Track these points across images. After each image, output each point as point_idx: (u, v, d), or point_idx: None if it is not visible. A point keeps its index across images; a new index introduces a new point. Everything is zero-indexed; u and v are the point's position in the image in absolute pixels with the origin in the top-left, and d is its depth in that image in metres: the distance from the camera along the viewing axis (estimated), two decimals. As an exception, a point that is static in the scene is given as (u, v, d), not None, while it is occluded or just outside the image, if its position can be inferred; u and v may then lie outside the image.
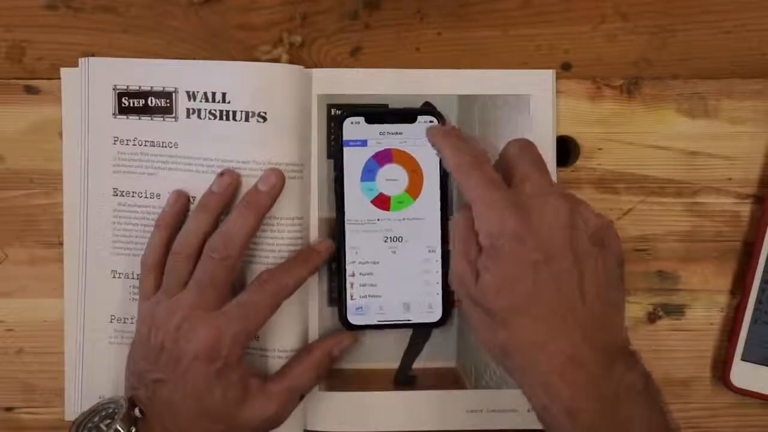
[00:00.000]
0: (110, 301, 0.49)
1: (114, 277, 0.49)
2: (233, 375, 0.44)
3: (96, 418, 0.44)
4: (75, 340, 0.49)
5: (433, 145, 0.44)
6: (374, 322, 0.48)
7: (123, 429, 0.43)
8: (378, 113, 0.48)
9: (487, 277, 0.39)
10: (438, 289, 0.48)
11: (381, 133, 0.48)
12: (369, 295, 0.48)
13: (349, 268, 0.48)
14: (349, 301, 0.48)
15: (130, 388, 0.45)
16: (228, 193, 0.47)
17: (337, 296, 0.49)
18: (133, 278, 0.49)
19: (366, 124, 0.48)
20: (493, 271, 0.39)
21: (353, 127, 0.48)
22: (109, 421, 0.43)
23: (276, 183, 0.46)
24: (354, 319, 0.48)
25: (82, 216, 0.49)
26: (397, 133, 0.48)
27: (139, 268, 0.47)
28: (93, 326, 0.49)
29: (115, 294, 0.49)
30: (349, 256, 0.48)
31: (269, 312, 0.45)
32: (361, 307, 0.48)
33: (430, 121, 0.48)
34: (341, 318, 0.49)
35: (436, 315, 0.48)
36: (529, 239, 0.39)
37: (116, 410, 0.44)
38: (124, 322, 0.49)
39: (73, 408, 0.49)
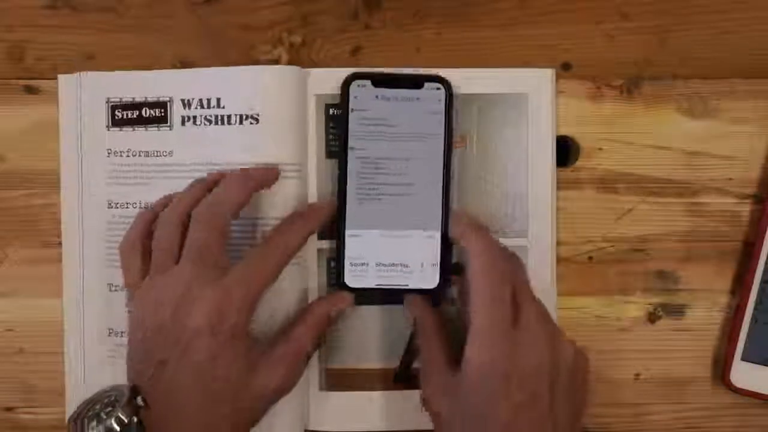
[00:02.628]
0: (108, 315, 0.49)
1: (111, 290, 0.49)
2: (238, 347, 0.42)
3: (97, 407, 0.42)
4: (74, 354, 0.49)
5: (456, 235, 0.46)
6: (372, 285, 0.48)
7: (125, 417, 0.41)
8: (385, 77, 0.48)
9: (465, 407, 0.41)
10: (437, 256, 0.48)
11: (386, 98, 0.48)
12: (367, 258, 0.48)
13: (348, 231, 0.48)
14: (347, 263, 0.48)
15: (132, 376, 0.44)
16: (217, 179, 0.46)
17: (335, 257, 0.48)
18: None
19: (372, 87, 0.48)
20: (472, 402, 0.41)
21: (359, 90, 0.48)
22: (110, 409, 0.41)
23: (271, 171, 0.47)
24: (351, 281, 0.48)
25: (78, 228, 0.49)
26: (403, 99, 0.48)
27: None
28: (92, 339, 0.49)
29: (112, 307, 0.49)
30: (349, 219, 0.48)
31: (272, 275, 0.44)
32: (359, 270, 0.48)
33: (437, 89, 0.48)
34: (338, 279, 0.48)
35: (433, 282, 0.48)
36: (514, 379, 0.40)
37: (118, 398, 0.42)
38: (122, 336, 0.49)
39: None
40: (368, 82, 0.48)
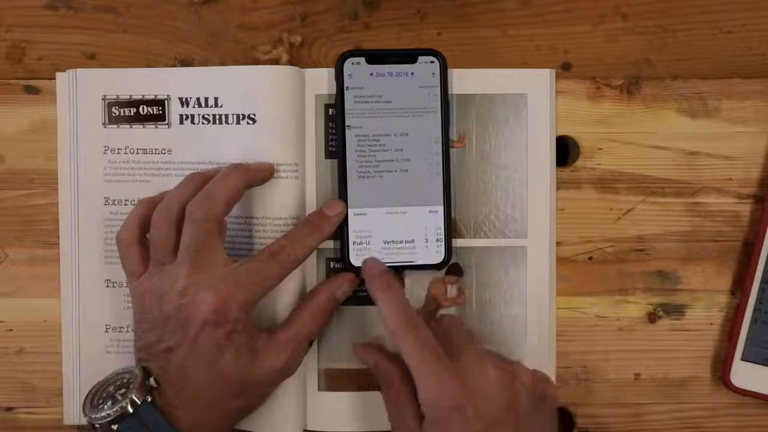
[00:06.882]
0: (105, 311, 0.49)
1: (107, 286, 0.49)
2: (242, 338, 0.43)
3: (111, 388, 0.43)
4: (72, 349, 0.49)
5: (369, 290, 0.46)
6: None
7: (138, 399, 0.41)
8: (379, 54, 0.48)
9: None
10: (441, 230, 0.48)
11: (381, 75, 0.48)
12: (372, 236, 0.48)
13: (351, 209, 0.48)
14: (351, 243, 0.48)
15: (140, 361, 0.44)
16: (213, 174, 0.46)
17: (339, 237, 0.48)
18: (126, 287, 0.48)
19: (367, 64, 0.48)
20: None
21: (354, 68, 0.48)
22: (124, 390, 0.42)
23: (264, 167, 0.47)
24: (357, 260, 0.48)
25: (74, 225, 0.49)
26: (397, 74, 0.48)
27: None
28: (88, 335, 0.49)
29: (110, 303, 0.49)
30: (352, 198, 0.48)
31: (277, 282, 0.45)
32: (364, 249, 0.48)
33: (431, 62, 0.48)
34: (344, 260, 0.48)
35: (439, 257, 0.48)
36: (469, 409, 0.40)
37: (131, 380, 0.42)
38: (119, 331, 0.49)
39: (72, 411, 0.49)
40: (362, 60, 0.48)
